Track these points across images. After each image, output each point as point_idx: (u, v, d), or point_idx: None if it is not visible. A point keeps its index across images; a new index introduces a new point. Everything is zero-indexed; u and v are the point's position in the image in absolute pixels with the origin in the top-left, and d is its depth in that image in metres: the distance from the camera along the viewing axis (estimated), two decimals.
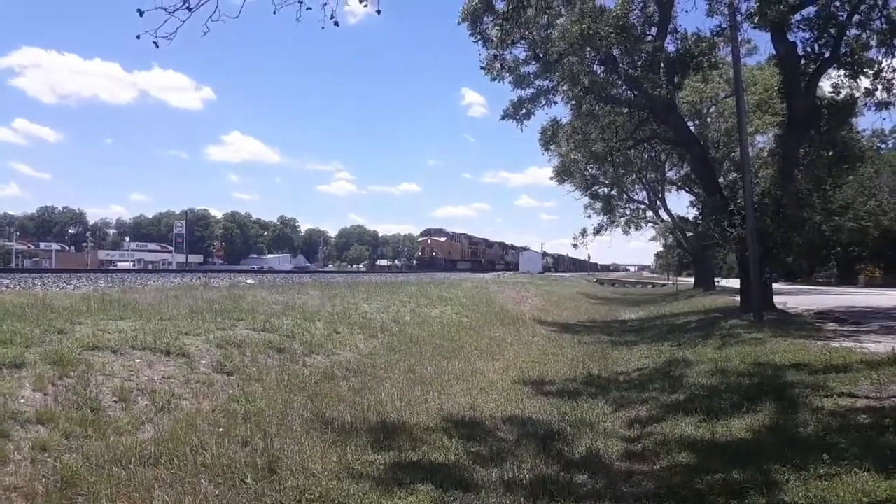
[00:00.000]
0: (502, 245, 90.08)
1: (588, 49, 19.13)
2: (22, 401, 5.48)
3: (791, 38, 17.59)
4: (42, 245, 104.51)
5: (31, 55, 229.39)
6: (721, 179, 25.58)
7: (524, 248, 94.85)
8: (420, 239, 70.11)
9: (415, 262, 77.82)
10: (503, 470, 5.61)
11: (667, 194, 45.88)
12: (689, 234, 41.15)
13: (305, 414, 6.71)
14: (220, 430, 5.87)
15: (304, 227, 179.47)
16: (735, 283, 27.16)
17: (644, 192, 46.94)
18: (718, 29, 18.62)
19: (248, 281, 19.21)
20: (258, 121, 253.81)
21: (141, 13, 4.99)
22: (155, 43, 5.09)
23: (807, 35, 17.53)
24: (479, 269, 65.27)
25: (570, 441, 6.70)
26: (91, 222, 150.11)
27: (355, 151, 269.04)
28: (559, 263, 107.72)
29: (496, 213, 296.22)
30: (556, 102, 21.89)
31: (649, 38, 19.46)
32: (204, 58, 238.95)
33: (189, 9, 5.14)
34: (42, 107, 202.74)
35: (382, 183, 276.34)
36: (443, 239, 63.55)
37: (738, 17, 17.53)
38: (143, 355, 7.37)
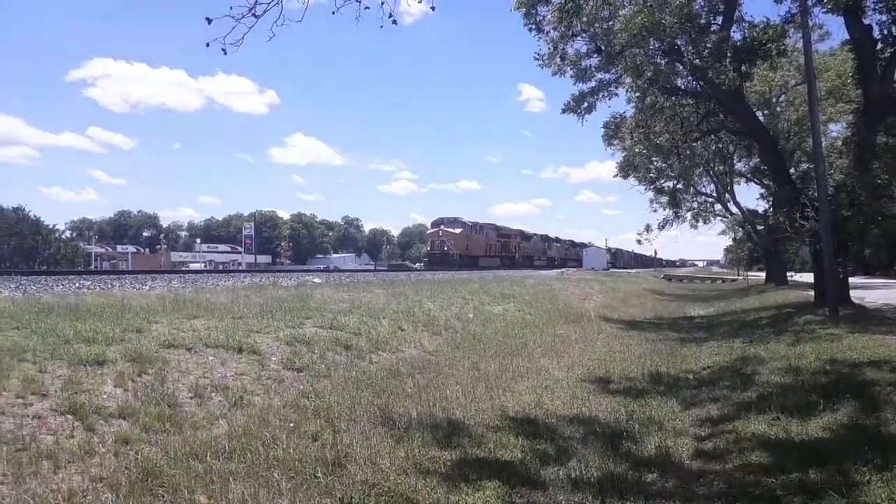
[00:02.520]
0: (545, 238, 78.98)
1: (651, 40, 18.77)
2: (105, 396, 5.75)
3: (866, 21, 16.87)
4: (119, 248, 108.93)
5: (103, 65, 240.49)
6: (792, 170, 24.73)
7: (588, 244, 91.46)
8: (429, 231, 57.80)
9: (424, 259, 62.81)
10: (570, 468, 5.57)
11: (736, 187, 44.54)
12: (760, 227, 39.78)
13: (372, 410, 6.81)
14: (291, 425, 6.02)
15: (367, 226, 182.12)
16: (809, 277, 26.20)
17: (712, 185, 45.71)
18: (788, 15, 18.01)
19: (316, 280, 19.61)
20: (320, 122, 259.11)
21: (209, 21, 5.15)
22: (223, 50, 5.26)
23: (883, 17, 16.76)
24: (513, 266, 56.32)
25: (638, 440, 6.60)
26: (164, 225, 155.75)
27: (415, 150, 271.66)
28: (617, 258, 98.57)
29: (557, 209, 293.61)
30: (617, 95, 21.57)
31: (714, 27, 18.97)
32: (266, 61, 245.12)
33: (255, 16, 5.28)
34: (114, 115, 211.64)
35: (442, 181, 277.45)
36: (457, 230, 52.16)
37: (809, 2, 16.92)
38: (217, 353, 7.64)
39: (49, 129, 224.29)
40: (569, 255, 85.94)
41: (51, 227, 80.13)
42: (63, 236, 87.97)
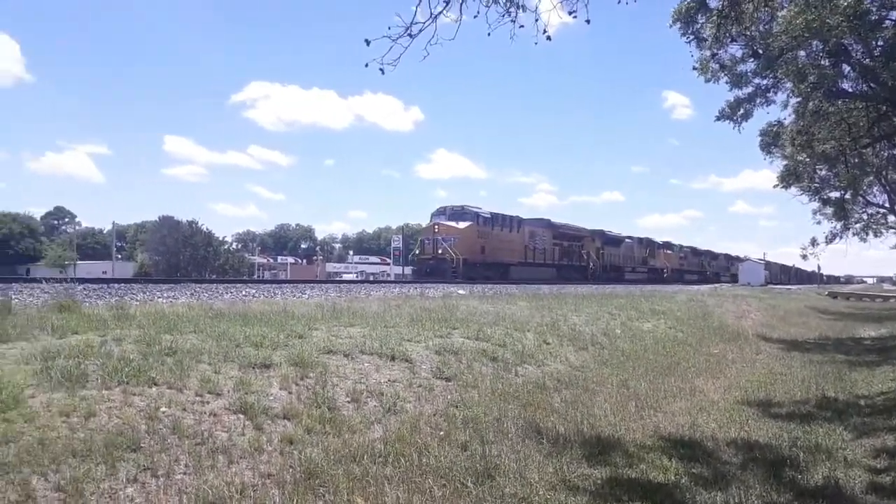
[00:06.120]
0: (645, 242, 60.34)
1: (815, 41, 17.58)
2: (271, 398, 6.15)
3: None
4: (279, 259, 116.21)
5: (260, 88, 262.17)
6: None
7: (744, 258, 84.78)
8: (424, 227, 39.74)
9: (410, 266, 47.37)
10: (728, 494, 5.30)
11: None
12: None
13: (519, 422, 6.82)
14: (441, 433, 6.15)
15: None
16: None
17: (884, 195, 41.90)
18: None
19: (460, 291, 19.91)
20: (461, 137, 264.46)
21: (368, 43, 5.41)
22: (381, 70, 5.49)
23: None
24: (584, 279, 41.69)
25: (803, 468, 6.17)
26: (319, 238, 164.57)
27: (556, 162, 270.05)
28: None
29: (709, 221, 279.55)
30: (774, 102, 20.46)
31: (888, 23, 17.45)
32: (410, 80, 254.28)
33: (411, 35, 5.47)
34: (271, 134, 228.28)
35: (583, 193, 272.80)
36: (462, 225, 34.18)
37: None
38: (371, 360, 7.95)
39: (215, 148, 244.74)
40: (687, 265, 69.99)
41: (221, 238, 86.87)
42: (231, 248, 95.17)
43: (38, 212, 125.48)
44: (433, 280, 27.53)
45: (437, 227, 34.16)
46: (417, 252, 36.69)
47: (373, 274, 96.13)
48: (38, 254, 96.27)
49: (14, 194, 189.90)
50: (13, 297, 10.39)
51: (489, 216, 36.39)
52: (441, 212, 35.80)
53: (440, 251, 33.02)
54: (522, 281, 31.59)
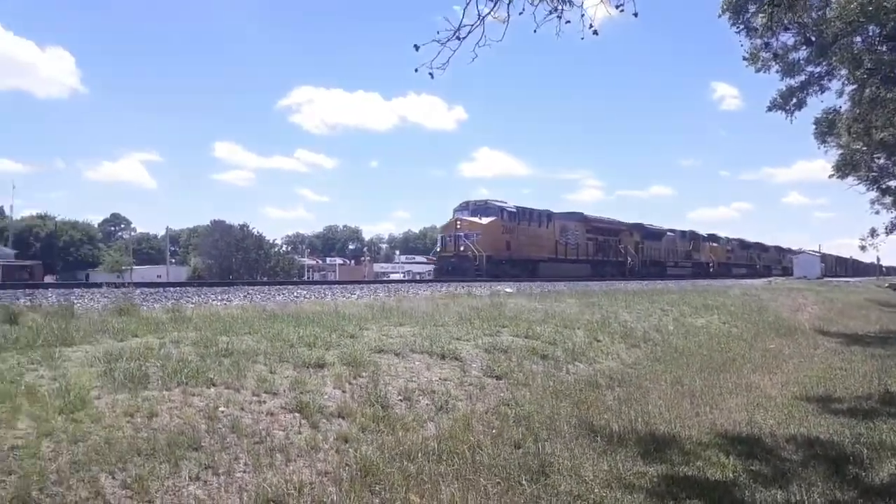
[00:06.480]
0: (689, 235, 57.54)
1: (871, 26, 17.04)
2: (325, 397, 6.25)
3: None
4: (328, 260, 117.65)
5: (305, 93, 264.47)
6: None
7: (799, 251, 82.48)
8: (444, 223, 36.38)
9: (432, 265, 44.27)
10: (789, 492, 5.17)
11: None
12: None
13: (572, 420, 6.77)
14: (494, 431, 6.16)
15: None
16: None
17: None
18: None
19: (507, 289, 19.86)
20: (505, 135, 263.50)
21: (417, 48, 5.43)
22: (430, 74, 5.51)
23: None
24: (622, 274, 40.37)
25: (867, 465, 5.97)
26: (366, 238, 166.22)
27: (602, 157, 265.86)
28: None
29: (761, 214, 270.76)
30: (829, 88, 19.91)
31: None
32: (453, 79, 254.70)
33: (459, 38, 5.48)
34: (316, 137, 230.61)
35: (631, 187, 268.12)
36: (485, 220, 32.55)
37: None
38: (422, 358, 8.01)
39: (262, 153, 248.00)
40: (734, 258, 67.11)
41: (271, 241, 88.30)
42: (281, 250, 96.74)
43: (95, 219, 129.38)
44: (455, 279, 26.52)
45: (458, 222, 32.69)
46: (438, 249, 35.24)
47: (419, 273, 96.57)
48: (96, 259, 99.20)
49: (72, 202, 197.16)
50: (75, 301, 10.77)
51: (515, 210, 34.54)
52: (463, 206, 34.05)
53: (462, 248, 31.55)
54: (553, 278, 29.87)
